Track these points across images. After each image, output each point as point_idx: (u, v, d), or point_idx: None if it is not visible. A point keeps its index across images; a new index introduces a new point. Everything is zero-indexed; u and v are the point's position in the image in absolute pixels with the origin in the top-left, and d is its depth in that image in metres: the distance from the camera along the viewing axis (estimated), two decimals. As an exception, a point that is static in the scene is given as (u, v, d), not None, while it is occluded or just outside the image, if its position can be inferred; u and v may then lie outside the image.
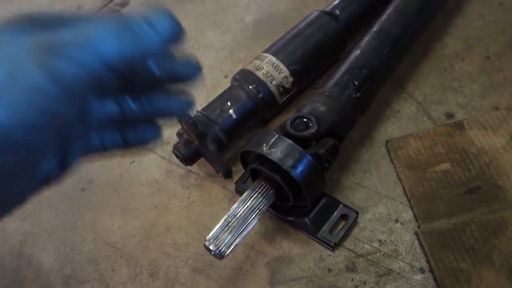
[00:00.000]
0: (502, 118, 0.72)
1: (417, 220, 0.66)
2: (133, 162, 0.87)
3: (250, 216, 0.62)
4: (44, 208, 0.85)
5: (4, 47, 0.23)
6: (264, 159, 0.63)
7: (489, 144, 0.69)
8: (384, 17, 0.79)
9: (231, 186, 0.77)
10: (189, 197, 0.78)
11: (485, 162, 0.68)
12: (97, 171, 0.88)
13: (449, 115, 0.76)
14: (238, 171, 0.79)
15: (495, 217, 0.62)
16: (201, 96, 0.94)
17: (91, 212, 0.82)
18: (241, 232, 0.61)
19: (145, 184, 0.83)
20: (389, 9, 0.81)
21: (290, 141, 0.62)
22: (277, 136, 0.63)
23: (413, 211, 0.67)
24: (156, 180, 0.82)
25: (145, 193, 0.81)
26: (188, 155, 0.75)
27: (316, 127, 0.65)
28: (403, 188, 0.69)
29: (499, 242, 0.60)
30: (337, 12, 0.85)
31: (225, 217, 0.62)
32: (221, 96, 0.79)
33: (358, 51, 0.74)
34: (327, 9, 0.86)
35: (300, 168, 0.61)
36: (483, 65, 0.81)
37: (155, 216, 0.78)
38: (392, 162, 0.72)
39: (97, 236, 0.78)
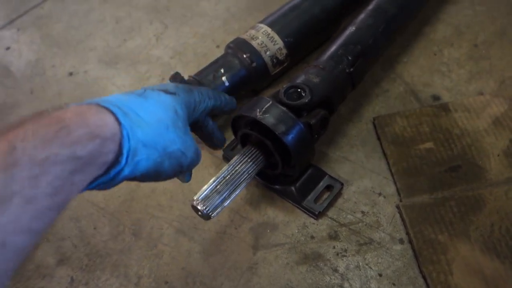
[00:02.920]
0: (486, 103, 0.75)
1: (399, 194, 0.68)
2: (119, 124, 0.86)
3: (239, 179, 0.63)
4: (25, 165, 0.83)
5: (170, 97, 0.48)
6: (256, 125, 0.64)
7: (472, 127, 0.72)
8: (380, -4, 0.80)
9: (219, 153, 0.78)
10: (175, 161, 0.78)
11: (467, 143, 0.70)
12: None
13: (436, 97, 0.78)
14: (227, 138, 0.79)
15: (474, 195, 0.65)
16: (192, 64, 0.94)
17: (75, 171, 0.81)
18: (229, 195, 0.62)
19: (131, 146, 0.82)
20: (386, -10, 0.82)
21: (284, 108, 0.63)
22: (271, 102, 0.63)
23: (396, 185, 0.69)
24: (142, 143, 0.82)
25: (131, 155, 0.81)
26: (178, 118, 0.75)
27: (309, 97, 0.66)
28: (388, 164, 0.71)
29: (476, 218, 0.63)
30: (335, -12, 0.85)
31: (214, 178, 0.62)
32: (214, 62, 0.79)
33: (354, 28, 0.75)
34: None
35: (292, 135, 0.62)
36: (471, 52, 0.83)
37: (141, 178, 0.77)
38: (378, 139, 0.74)
39: (80, 195, 0.77)
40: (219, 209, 0.61)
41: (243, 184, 0.64)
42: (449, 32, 0.87)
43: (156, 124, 0.42)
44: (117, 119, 0.38)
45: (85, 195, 0.77)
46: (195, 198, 0.61)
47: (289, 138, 0.61)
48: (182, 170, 0.47)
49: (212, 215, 0.60)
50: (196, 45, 0.97)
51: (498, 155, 0.68)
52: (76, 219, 0.75)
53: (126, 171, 0.39)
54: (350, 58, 0.72)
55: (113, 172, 0.38)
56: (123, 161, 0.38)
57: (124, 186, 0.76)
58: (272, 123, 0.61)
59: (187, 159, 0.46)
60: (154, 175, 0.43)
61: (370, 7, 0.79)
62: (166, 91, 0.47)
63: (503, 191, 0.64)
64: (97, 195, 0.77)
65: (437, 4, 0.92)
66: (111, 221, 0.73)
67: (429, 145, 0.71)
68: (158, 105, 0.44)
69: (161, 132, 0.42)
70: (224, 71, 0.77)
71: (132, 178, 0.42)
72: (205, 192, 0.61)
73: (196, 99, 0.51)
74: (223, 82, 0.76)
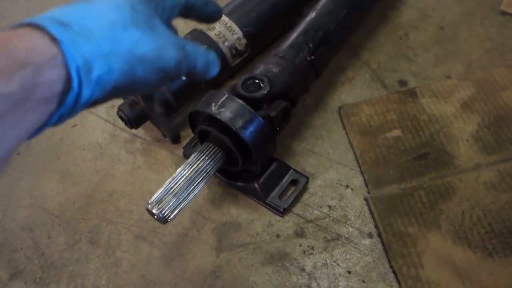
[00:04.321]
0: (453, 86, 0.72)
1: (367, 186, 0.65)
2: (75, 125, 0.81)
3: (196, 179, 0.59)
4: (-26, 173, 0.78)
5: None
6: (213, 120, 0.60)
7: (440, 112, 0.69)
8: (341, -19, 0.77)
9: (180, 151, 0.74)
10: (134, 162, 0.74)
11: (435, 129, 0.68)
12: (35, 134, 0.82)
13: (402, 83, 0.75)
14: (187, 136, 0.75)
15: (443, 183, 0.62)
16: (151, 58, 0.89)
17: (28, 177, 0.76)
18: (186, 196, 0.58)
19: (87, 148, 0.78)
20: (347, -26, 0.78)
21: (241, 101, 0.59)
22: (226, 95, 0.60)
23: (363, 177, 0.66)
24: (99, 144, 0.78)
25: (87, 157, 0.77)
26: (133, 117, 0.71)
27: (268, 88, 0.62)
28: (355, 154, 0.68)
29: (446, 207, 0.60)
30: (295, -26, 0.82)
31: (170, 179, 0.58)
32: (170, 56, 0.75)
33: (314, 14, 0.72)
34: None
35: (250, 130, 0.58)
36: (437, 35, 0.81)
37: (97, 182, 0.73)
38: (345, 128, 0.71)
39: (34, 203, 0.73)
40: (176, 212, 0.57)
41: (202, 184, 0.60)
42: (414, 15, 0.84)
43: (108, 28, 0.34)
44: (51, 36, 0.31)
45: (38, 203, 0.72)
46: (149, 202, 0.57)
47: (247, 132, 0.58)
48: (171, 75, 0.39)
49: (169, 218, 0.57)
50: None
51: (467, 140, 0.66)
52: (29, 229, 0.70)
53: (86, 93, 0.33)
54: (311, 45, 0.68)
55: (69, 100, 0.32)
56: (75, 84, 0.32)
57: (80, 191, 0.72)
58: (229, 118, 0.58)
59: (169, 59, 0.38)
60: (130, 87, 0.36)
61: (331, -9, 0.75)
62: None
63: (473, 178, 0.62)
64: (52, 202, 0.72)
65: (402, -13, 0.90)
66: (67, 230, 0.69)
67: (396, 133, 0.68)
68: (107, 6, 0.36)
69: (118, 35, 0.35)
70: (180, 64, 0.73)
71: (103, 98, 0.35)
72: (159, 195, 0.57)
73: None
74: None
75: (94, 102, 0.36)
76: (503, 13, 0.81)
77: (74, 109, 0.33)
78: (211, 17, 0.50)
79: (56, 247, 0.67)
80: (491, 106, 0.69)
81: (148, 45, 0.36)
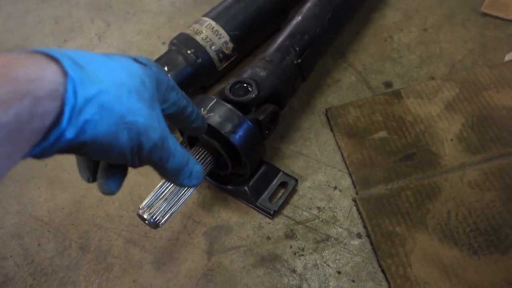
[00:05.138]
0: (438, 87, 0.73)
1: (355, 187, 0.66)
2: (62, 131, 0.81)
3: (187, 183, 0.59)
4: (-40, 181, 0.77)
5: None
6: (202, 124, 0.60)
7: (424, 112, 0.71)
8: (326, -16, 0.78)
9: (168, 155, 0.74)
10: (123, 167, 0.74)
11: (420, 129, 0.69)
12: (22, 140, 0.81)
13: (388, 84, 0.77)
14: (177, 139, 0.75)
15: (429, 182, 0.63)
16: (137, 62, 0.89)
17: (16, 184, 0.76)
18: (177, 200, 0.58)
19: (75, 154, 0.77)
20: (332, -23, 0.79)
21: (229, 106, 0.60)
22: (215, 100, 0.60)
23: (351, 178, 0.67)
24: (87, 150, 0.77)
25: (75, 163, 0.76)
26: (121, 122, 0.71)
27: (256, 92, 0.63)
28: (342, 156, 0.69)
29: (432, 206, 0.61)
30: (280, -22, 0.82)
31: (160, 184, 0.59)
32: (158, 60, 0.75)
33: (300, 17, 0.73)
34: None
35: (239, 134, 0.59)
36: (420, 37, 0.82)
37: (86, 188, 0.73)
38: (332, 130, 0.72)
39: (22, 209, 0.72)
40: (167, 217, 0.57)
41: (192, 189, 0.60)
42: (398, 17, 0.86)
43: (116, 86, 0.35)
44: (63, 70, 0.31)
45: (26, 209, 0.72)
46: (140, 207, 0.57)
47: (237, 137, 0.58)
48: (142, 153, 0.38)
49: (160, 223, 0.57)
50: (141, 43, 0.93)
51: (452, 140, 0.67)
52: (18, 236, 0.70)
53: (69, 134, 0.32)
54: (297, 49, 0.69)
55: (52, 136, 0.31)
56: (64, 122, 0.31)
57: (69, 197, 0.72)
58: (218, 122, 0.58)
59: (149, 140, 0.38)
60: (106, 145, 0.35)
61: (316, -5, 0.76)
62: (136, 60, 0.40)
63: (458, 177, 0.63)
64: (40, 208, 0.72)
65: (385, -11, 0.91)
66: (56, 236, 0.69)
67: (383, 134, 0.70)
68: (123, 69, 0.37)
69: (121, 95, 0.35)
70: (168, 69, 0.73)
71: (79, 144, 0.34)
72: (150, 200, 0.57)
73: (169, 82, 0.43)
74: (168, 81, 0.72)
75: (67, 149, 0.35)
76: (484, 14, 0.83)
77: (52, 148, 0.33)
78: (195, 132, 0.52)
79: (46, 254, 0.67)
80: (474, 106, 0.71)
81: (142, 118, 0.37)
